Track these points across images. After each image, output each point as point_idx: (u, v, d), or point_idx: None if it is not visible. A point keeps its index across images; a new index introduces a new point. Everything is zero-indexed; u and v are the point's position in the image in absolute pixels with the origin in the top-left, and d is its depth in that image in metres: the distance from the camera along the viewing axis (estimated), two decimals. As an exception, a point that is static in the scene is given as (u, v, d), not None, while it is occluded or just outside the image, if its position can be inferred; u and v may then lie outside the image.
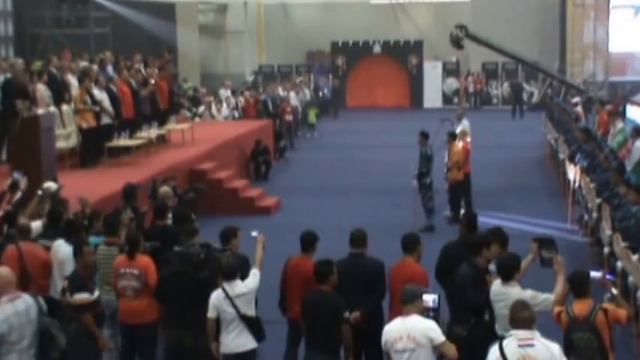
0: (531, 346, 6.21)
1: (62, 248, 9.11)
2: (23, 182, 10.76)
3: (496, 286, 7.85)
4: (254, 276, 8.25)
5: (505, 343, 6.26)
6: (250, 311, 8.10)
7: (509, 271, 7.79)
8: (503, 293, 7.74)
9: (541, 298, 7.62)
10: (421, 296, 7.06)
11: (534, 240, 8.52)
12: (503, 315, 7.29)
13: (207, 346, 8.21)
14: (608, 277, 7.95)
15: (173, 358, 8.35)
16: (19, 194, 10.59)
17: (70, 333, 8.33)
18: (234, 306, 8.05)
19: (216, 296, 8.14)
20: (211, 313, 8.16)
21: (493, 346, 6.31)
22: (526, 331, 6.29)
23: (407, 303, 6.99)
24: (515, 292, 7.62)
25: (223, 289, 8.12)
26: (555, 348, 6.30)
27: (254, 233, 8.76)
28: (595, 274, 7.77)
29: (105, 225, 9.48)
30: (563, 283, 7.56)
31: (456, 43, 21.94)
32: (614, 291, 7.66)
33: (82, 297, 8.31)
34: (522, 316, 6.34)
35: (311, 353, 7.81)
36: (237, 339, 8.11)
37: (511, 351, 6.20)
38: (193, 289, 8.15)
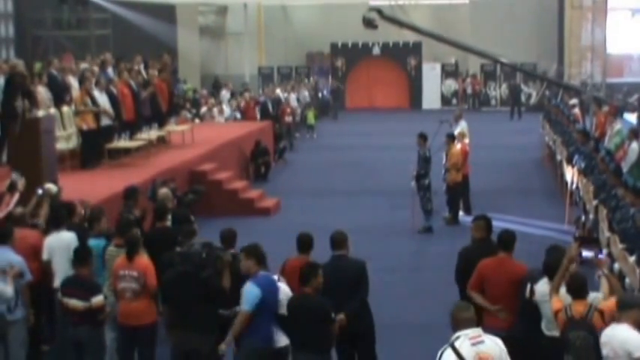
0: (482, 342, 6.37)
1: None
2: (21, 183, 10.81)
3: (544, 286, 7.86)
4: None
5: (458, 344, 6.34)
6: (283, 310, 8.09)
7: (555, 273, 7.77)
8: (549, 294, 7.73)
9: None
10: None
11: (576, 239, 8.55)
12: (550, 315, 7.48)
13: (214, 346, 8.26)
14: (600, 256, 8.03)
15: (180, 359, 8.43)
16: (17, 195, 10.65)
17: (80, 333, 8.52)
18: None
19: None
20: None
21: (445, 349, 6.35)
22: (474, 330, 6.45)
23: (620, 310, 6.84)
24: (562, 291, 7.59)
25: None
26: (499, 341, 6.48)
27: None
28: (587, 253, 7.84)
29: (117, 227, 9.59)
30: (563, 272, 7.57)
31: (369, 24, 21.52)
32: (605, 270, 7.75)
33: (99, 299, 8.61)
34: (465, 317, 6.48)
35: (301, 355, 7.85)
36: None
37: (466, 350, 6.30)
38: (196, 288, 8.19)
